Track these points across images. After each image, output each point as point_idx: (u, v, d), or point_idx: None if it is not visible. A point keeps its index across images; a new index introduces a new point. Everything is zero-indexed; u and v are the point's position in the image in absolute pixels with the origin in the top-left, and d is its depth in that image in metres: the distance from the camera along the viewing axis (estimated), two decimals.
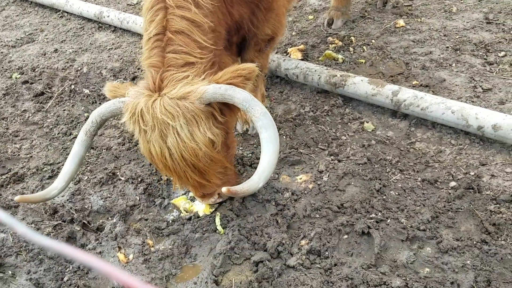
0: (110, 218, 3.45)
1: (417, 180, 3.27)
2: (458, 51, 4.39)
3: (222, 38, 3.21)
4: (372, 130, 3.77)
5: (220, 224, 3.22)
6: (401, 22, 4.99)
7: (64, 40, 6.09)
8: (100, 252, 3.18)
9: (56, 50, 5.85)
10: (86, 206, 3.55)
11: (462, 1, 5.18)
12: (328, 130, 3.84)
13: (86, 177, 3.84)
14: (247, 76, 2.86)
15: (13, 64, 5.69)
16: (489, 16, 4.78)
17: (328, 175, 3.43)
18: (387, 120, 3.85)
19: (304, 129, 3.90)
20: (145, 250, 3.15)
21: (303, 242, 3.00)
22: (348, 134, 3.77)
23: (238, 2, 3.26)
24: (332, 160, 3.55)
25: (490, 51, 4.30)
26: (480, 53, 4.31)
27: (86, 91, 4.92)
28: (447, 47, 4.48)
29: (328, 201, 3.22)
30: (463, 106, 3.46)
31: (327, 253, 2.92)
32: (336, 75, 4.06)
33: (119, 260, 3.12)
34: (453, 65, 4.24)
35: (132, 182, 3.72)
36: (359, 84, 3.93)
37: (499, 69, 4.06)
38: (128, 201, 3.53)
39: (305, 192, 3.34)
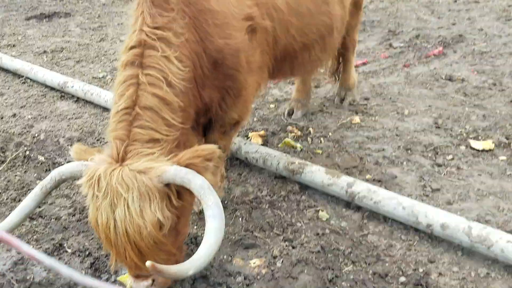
0: None
1: (369, 272, 3.31)
2: (409, 151, 4.63)
3: (191, 118, 3.30)
4: (326, 219, 3.84)
5: None
6: (356, 119, 5.26)
7: (24, 106, 6.05)
8: None
9: (14, 115, 5.79)
10: (28, 277, 3.39)
11: (413, 106, 5.53)
12: (284, 215, 3.89)
13: (32, 247, 3.68)
14: (207, 157, 2.91)
15: None
16: (438, 121, 5.10)
17: (282, 261, 3.43)
18: (341, 210, 3.95)
19: (261, 212, 3.94)
20: None
21: None
22: (303, 221, 3.82)
23: (210, 86, 3.39)
24: (286, 246, 3.57)
25: (439, 153, 4.56)
26: (429, 154, 4.56)
27: (41, 158, 4.84)
28: (399, 146, 4.72)
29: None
30: (414, 203, 3.60)
31: None
32: (295, 162, 4.18)
33: None
34: (404, 163, 4.45)
35: (79, 255, 3.60)
36: (316, 173, 4.05)
37: (447, 171, 4.29)
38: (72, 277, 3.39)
39: (258, 277, 3.32)
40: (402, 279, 3.24)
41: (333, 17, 4.29)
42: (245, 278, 3.30)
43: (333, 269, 3.34)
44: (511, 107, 5.32)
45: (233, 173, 4.48)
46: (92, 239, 3.75)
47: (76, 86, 6.05)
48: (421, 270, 3.30)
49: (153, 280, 3.02)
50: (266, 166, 4.37)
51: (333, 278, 3.26)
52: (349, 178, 3.96)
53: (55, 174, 3.03)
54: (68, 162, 3.49)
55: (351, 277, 3.28)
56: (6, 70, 7.19)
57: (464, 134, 4.85)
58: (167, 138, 3.02)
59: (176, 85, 3.05)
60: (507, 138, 4.70)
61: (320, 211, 3.93)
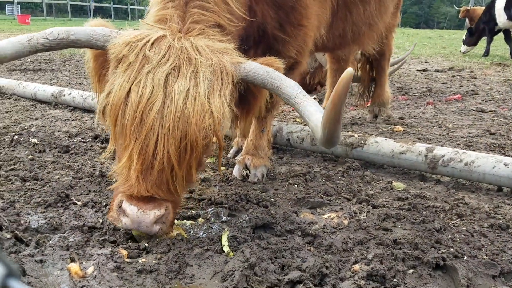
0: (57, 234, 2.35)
1: (483, 226, 2.53)
2: (471, 147, 4.02)
3: (241, 33, 2.66)
4: (403, 189, 3.09)
5: (228, 245, 2.23)
6: (399, 127, 4.69)
7: (10, 111, 5.21)
8: (40, 261, 2.04)
9: None
10: (22, 222, 2.44)
11: (455, 123, 5.03)
12: (348, 184, 3.12)
13: (23, 200, 2.75)
14: (277, 67, 2.33)
15: None
16: (490, 130, 4.59)
17: (366, 215, 2.62)
18: (418, 183, 3.21)
19: (318, 183, 3.15)
20: (117, 258, 2.06)
21: (356, 266, 2.07)
22: (375, 190, 3.05)
23: (266, 0, 2.79)
24: (364, 205, 2.78)
25: (506, 149, 3.97)
26: (496, 150, 3.96)
27: (33, 140, 3.97)
28: (458, 143, 4.12)
29: (375, 237, 2.37)
30: None
31: (395, 280, 1.99)
32: (354, 135, 3.50)
33: (69, 273, 1.98)
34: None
35: (93, 207, 2.69)
36: (383, 143, 3.37)
37: None
38: (86, 222, 2.47)
39: (340, 227, 2.48)
40: None
41: None
42: (324, 227, 2.46)
43: (437, 222, 2.53)
44: None
45: (273, 157, 3.71)
46: (107, 197, 2.85)
47: (74, 93, 5.32)
48: None
49: (166, 207, 2.14)
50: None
51: (441, 229, 2.45)
52: (426, 144, 3.29)
53: (61, 31, 2.21)
54: None
55: (464, 228, 2.49)
56: None
57: None
58: (230, 28, 2.40)
59: None
60: None
61: (393, 182, 3.19)
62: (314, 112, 2.10)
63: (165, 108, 1.99)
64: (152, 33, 2.12)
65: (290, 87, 2.19)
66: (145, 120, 2.00)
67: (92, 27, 2.22)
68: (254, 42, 2.90)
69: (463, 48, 15.04)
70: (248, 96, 2.35)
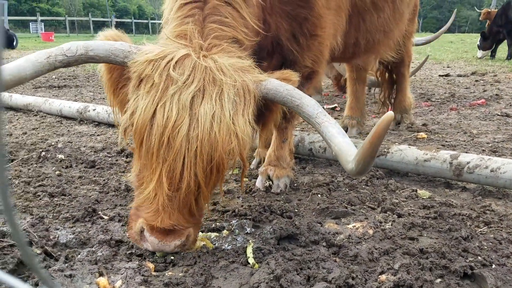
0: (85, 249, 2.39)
1: (511, 233, 2.49)
2: (496, 153, 3.96)
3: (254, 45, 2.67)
4: (429, 197, 3.06)
5: (253, 257, 2.24)
6: (422, 134, 4.65)
7: (37, 128, 5.32)
8: (70, 275, 2.07)
9: (25, 133, 5.05)
10: (51, 237, 2.49)
11: (479, 128, 4.96)
12: (372, 193, 3.11)
13: (52, 215, 2.81)
14: (293, 82, 2.35)
15: None
16: None
17: (392, 224, 2.61)
18: (444, 191, 3.18)
19: (342, 193, 3.15)
20: (144, 272, 2.08)
21: (383, 277, 2.06)
22: (400, 199, 3.04)
23: (279, 11, 2.80)
24: (389, 214, 2.76)
25: None
26: None
27: (60, 156, 4.05)
28: (483, 149, 4.07)
29: (401, 246, 2.35)
30: None
31: None
32: None
33: (98, 287, 2.01)
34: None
35: (120, 220, 2.73)
36: (406, 151, 3.34)
37: None
38: (113, 236, 2.50)
39: (365, 237, 2.47)
40: None
41: None
42: (348, 237, 2.45)
43: (464, 230, 2.51)
44: None
45: (296, 166, 3.71)
46: None
47: (99, 109, 5.41)
48: None
49: (186, 237, 2.18)
50: None
51: (468, 237, 2.43)
52: (450, 151, 3.26)
53: (79, 46, 2.15)
54: None
55: (491, 236, 2.45)
56: (16, 109, 6.51)
57: None
58: (247, 43, 2.43)
59: None
60: None
61: (418, 190, 3.16)
62: (337, 134, 2.08)
63: (191, 131, 2.00)
64: (174, 51, 2.14)
65: (311, 106, 2.18)
66: (172, 143, 2.00)
67: (111, 42, 2.22)
68: (268, 54, 2.92)
69: (480, 53, 14.89)
70: (264, 111, 2.36)
